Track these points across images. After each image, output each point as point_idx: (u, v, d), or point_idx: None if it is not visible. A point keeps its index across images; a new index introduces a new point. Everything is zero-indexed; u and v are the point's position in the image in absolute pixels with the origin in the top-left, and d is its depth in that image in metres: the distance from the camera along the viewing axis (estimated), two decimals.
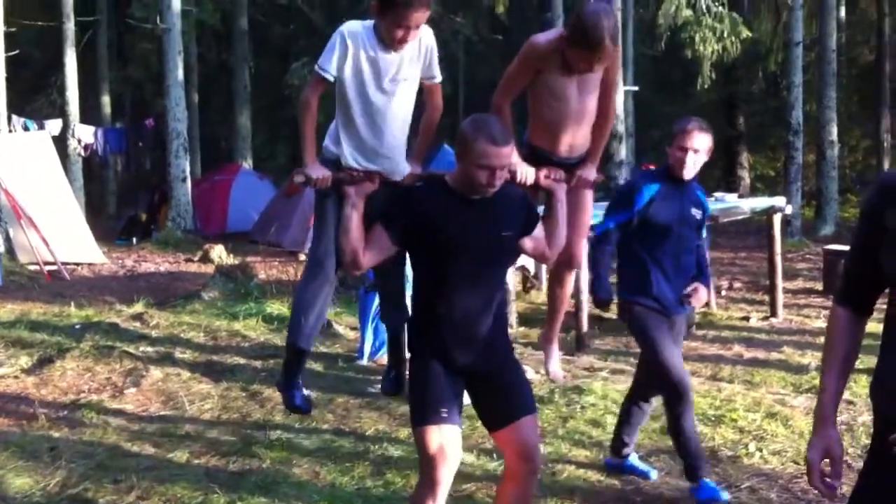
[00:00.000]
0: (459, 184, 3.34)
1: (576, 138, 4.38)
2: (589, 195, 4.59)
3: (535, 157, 4.29)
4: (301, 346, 4.11)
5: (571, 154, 4.40)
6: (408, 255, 3.50)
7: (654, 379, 4.58)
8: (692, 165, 4.44)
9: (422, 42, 3.96)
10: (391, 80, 3.89)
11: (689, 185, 4.57)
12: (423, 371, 3.36)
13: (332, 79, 3.87)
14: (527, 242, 3.54)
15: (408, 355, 4.19)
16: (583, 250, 4.67)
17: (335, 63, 3.85)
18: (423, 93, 4.13)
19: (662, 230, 4.47)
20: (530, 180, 4.01)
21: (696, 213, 4.56)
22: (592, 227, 4.80)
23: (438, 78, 4.07)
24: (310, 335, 4.12)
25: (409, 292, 4.60)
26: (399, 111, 3.97)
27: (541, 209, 3.88)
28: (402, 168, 3.99)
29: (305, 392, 4.21)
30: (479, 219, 3.32)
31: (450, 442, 3.25)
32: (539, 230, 3.58)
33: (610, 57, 4.13)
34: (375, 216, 3.47)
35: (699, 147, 4.43)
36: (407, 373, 4.02)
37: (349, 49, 3.84)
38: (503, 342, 3.50)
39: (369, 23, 3.90)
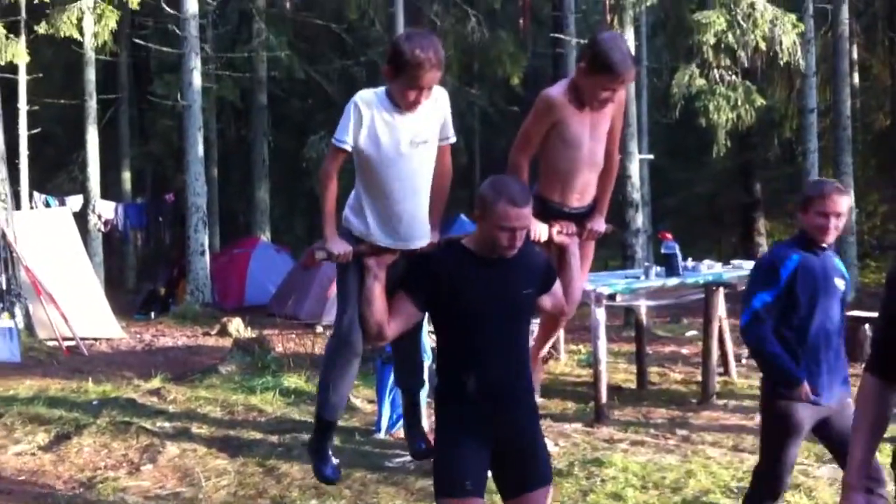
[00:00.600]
0: (479, 245, 3.35)
1: (587, 186, 4.41)
2: (591, 247, 4.60)
3: (545, 210, 4.31)
4: (328, 418, 4.09)
5: (582, 203, 4.42)
6: (430, 321, 3.49)
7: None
8: (834, 231, 4.24)
9: (437, 103, 3.98)
10: (410, 143, 3.89)
11: (827, 254, 4.32)
12: (449, 442, 3.33)
13: (349, 148, 3.88)
14: (545, 300, 3.55)
15: (428, 421, 4.15)
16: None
17: (351, 132, 3.87)
18: None
19: (809, 305, 4.18)
20: (544, 237, 4.02)
21: (840, 283, 4.30)
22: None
23: (453, 138, 4.07)
24: (336, 407, 4.09)
25: (426, 361, 4.60)
26: (419, 175, 3.96)
27: None
28: (424, 235, 3.98)
29: (335, 461, 4.16)
30: (499, 279, 3.32)
31: None
32: (556, 287, 3.58)
33: (632, 79, 4.16)
34: (397, 284, 3.47)
35: (842, 210, 4.25)
36: (428, 433, 3.98)
37: (364, 116, 3.85)
38: (527, 403, 3.46)
39: (381, 89, 3.93)
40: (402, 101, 3.82)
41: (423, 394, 4.92)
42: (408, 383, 4.36)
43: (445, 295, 3.31)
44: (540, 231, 4.04)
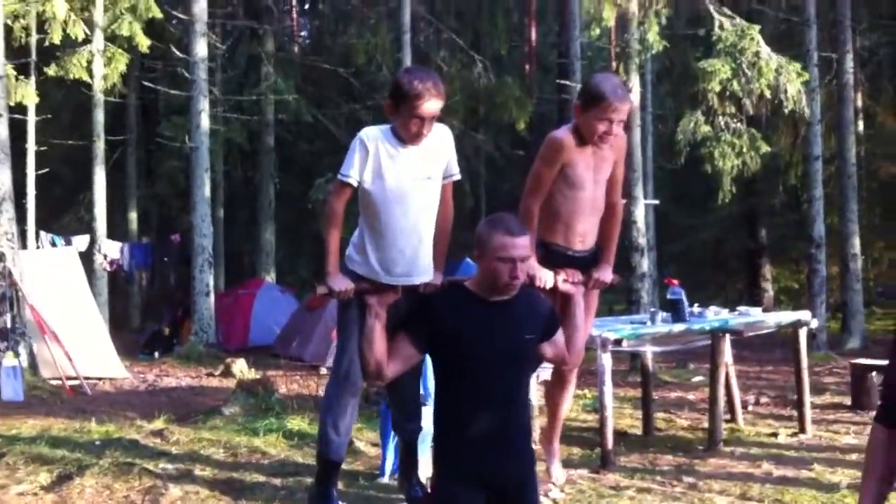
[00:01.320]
0: (481, 286, 3.34)
1: (589, 229, 4.43)
2: (595, 296, 4.60)
3: (549, 256, 4.32)
4: (332, 458, 4.06)
5: (585, 247, 4.43)
6: (430, 364, 3.48)
7: None
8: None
9: (442, 140, 4.01)
10: (414, 178, 3.91)
11: None
12: (447, 483, 3.31)
13: (354, 183, 3.89)
14: (547, 348, 3.52)
15: (424, 465, 4.12)
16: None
17: (357, 167, 3.89)
18: None
19: None
20: (549, 284, 4.02)
21: None
22: None
23: (457, 176, 4.10)
24: (340, 447, 4.07)
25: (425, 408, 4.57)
26: (423, 211, 3.97)
27: None
28: (427, 272, 3.98)
29: None
30: (501, 322, 3.30)
31: None
32: (559, 336, 3.56)
33: (625, 110, 4.19)
34: (398, 325, 3.47)
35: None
36: (424, 479, 3.95)
37: (369, 151, 3.88)
38: (527, 449, 3.44)
39: (386, 126, 3.96)
40: (405, 135, 3.86)
41: (423, 439, 4.89)
42: (405, 427, 4.33)
43: (446, 337, 3.29)
44: (545, 278, 4.04)
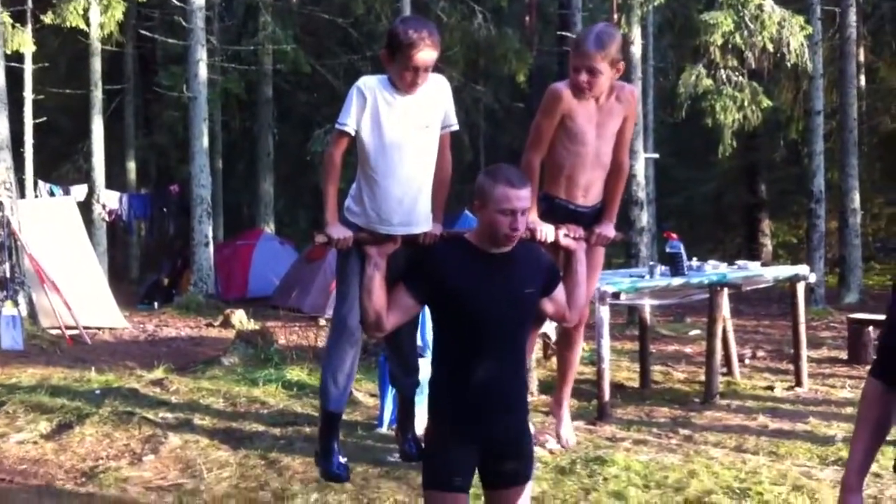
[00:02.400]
0: (481, 238, 3.33)
1: (592, 183, 4.41)
2: (601, 253, 4.59)
3: (552, 209, 4.30)
4: (332, 409, 4.07)
5: (587, 201, 4.42)
6: (429, 315, 3.48)
7: None
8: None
9: (439, 90, 3.99)
10: (412, 126, 3.89)
11: None
12: (441, 436, 3.33)
13: (352, 131, 3.88)
14: (547, 304, 3.51)
15: (421, 418, 4.14)
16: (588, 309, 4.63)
17: (354, 116, 3.87)
18: None
19: None
20: (550, 238, 4.00)
21: None
22: None
23: (455, 126, 4.08)
24: (340, 398, 4.08)
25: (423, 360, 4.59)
26: (421, 160, 3.95)
27: None
28: (426, 221, 3.97)
29: (342, 459, 4.13)
30: (501, 275, 3.29)
31: None
32: (559, 291, 3.55)
33: (593, 58, 4.15)
34: (397, 276, 3.47)
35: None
36: (421, 432, 3.97)
37: (367, 100, 3.86)
38: (522, 404, 3.46)
39: (383, 76, 3.94)
40: (400, 84, 3.84)
41: (421, 391, 4.91)
42: (402, 382, 4.34)
43: (445, 289, 3.28)
44: (546, 232, 4.02)
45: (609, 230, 4.44)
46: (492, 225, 3.25)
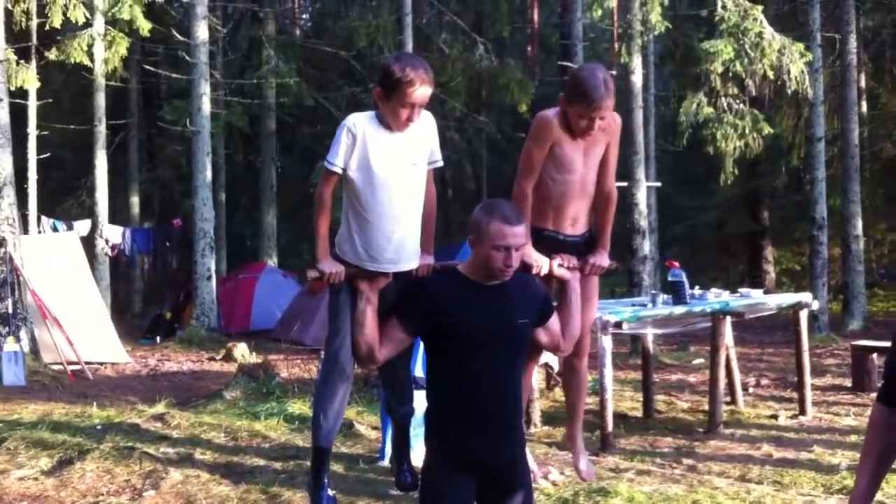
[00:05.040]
0: (474, 271, 3.33)
1: (579, 213, 4.41)
2: (596, 283, 4.58)
3: (541, 240, 4.30)
4: (321, 444, 4.07)
5: (575, 231, 4.42)
6: (423, 346, 3.48)
7: None
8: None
9: (426, 126, 4.01)
10: (401, 164, 3.91)
11: None
12: (438, 466, 3.31)
13: (339, 171, 3.90)
14: (541, 334, 3.51)
15: (419, 451, 4.12)
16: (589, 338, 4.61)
17: (342, 156, 3.89)
18: None
19: None
20: (545, 270, 4.01)
21: None
22: None
23: (440, 162, 4.10)
24: (329, 433, 4.08)
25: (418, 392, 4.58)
26: (410, 197, 3.97)
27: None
28: (415, 257, 3.99)
29: (331, 492, 4.13)
30: (494, 306, 3.29)
31: None
32: (553, 321, 3.55)
33: (608, 108, 4.17)
34: (389, 309, 3.46)
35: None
36: (418, 464, 3.95)
37: (356, 138, 3.88)
38: (518, 434, 3.43)
39: (371, 112, 3.96)
40: (394, 122, 3.85)
41: (418, 423, 4.89)
42: (397, 411, 4.33)
43: (437, 321, 3.28)
44: (541, 263, 4.03)
45: (603, 259, 4.43)
46: (486, 260, 3.26)
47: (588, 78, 4.15)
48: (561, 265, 4.00)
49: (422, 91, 3.79)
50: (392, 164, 3.88)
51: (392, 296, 3.67)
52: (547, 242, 4.30)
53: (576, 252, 4.37)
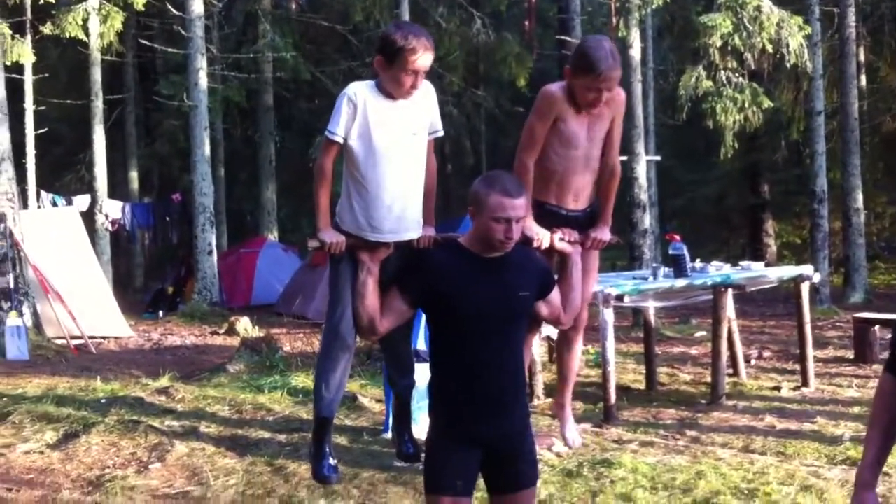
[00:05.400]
0: (475, 243, 3.32)
1: (582, 188, 4.41)
2: (596, 256, 4.59)
3: (543, 214, 4.30)
4: (323, 414, 4.08)
5: (578, 206, 4.42)
6: (424, 318, 3.49)
7: None
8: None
9: (427, 96, 4.00)
10: (402, 133, 3.90)
11: None
12: (442, 439, 3.33)
13: (341, 140, 3.88)
14: (542, 306, 3.51)
15: (422, 423, 4.13)
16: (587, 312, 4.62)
17: (343, 125, 3.87)
18: None
19: None
20: (546, 243, 4.01)
21: None
22: None
23: (441, 132, 4.09)
24: (331, 403, 4.08)
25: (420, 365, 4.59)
26: (411, 166, 3.95)
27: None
28: (416, 227, 3.98)
29: (333, 462, 4.14)
30: (495, 278, 3.29)
31: None
32: (554, 294, 3.55)
33: (616, 79, 4.16)
34: (391, 280, 3.46)
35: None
36: (419, 433, 3.97)
37: (357, 108, 3.86)
38: (521, 406, 3.44)
39: (371, 82, 3.95)
40: (396, 90, 3.84)
41: (420, 395, 4.90)
42: (398, 384, 4.34)
43: (438, 292, 3.28)
44: (542, 236, 4.02)
45: (604, 233, 4.44)
46: (486, 232, 3.25)
47: (595, 49, 4.14)
48: (562, 239, 4.00)
49: (424, 58, 3.78)
50: (393, 134, 3.87)
51: (393, 267, 3.68)
52: (549, 216, 4.30)
53: (577, 226, 4.38)
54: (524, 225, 3.48)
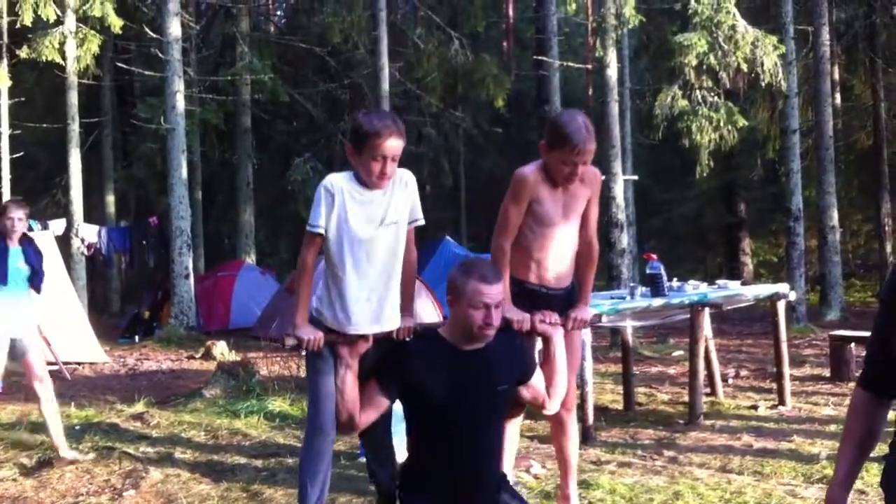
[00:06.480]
0: (454, 333, 3.30)
1: (562, 266, 4.39)
2: (578, 335, 4.56)
3: (523, 293, 4.28)
4: None
5: (559, 284, 4.39)
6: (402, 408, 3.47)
7: None
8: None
9: (406, 186, 3.98)
10: (380, 222, 3.87)
11: None
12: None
13: (323, 231, 3.86)
14: (523, 391, 3.49)
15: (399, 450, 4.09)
16: (574, 390, 4.55)
17: (323, 216, 3.85)
18: None
19: None
20: (526, 327, 3.97)
21: None
22: None
23: (421, 220, 4.06)
24: (318, 500, 4.04)
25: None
26: (390, 256, 3.92)
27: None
28: (396, 318, 3.95)
29: None
30: (474, 373, 3.27)
31: None
32: (536, 378, 3.53)
33: (591, 152, 4.15)
34: (369, 373, 3.44)
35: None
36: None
37: (335, 198, 3.84)
38: (493, 498, 3.41)
39: (349, 172, 3.93)
40: (368, 177, 3.81)
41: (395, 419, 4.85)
42: (379, 475, 4.28)
43: (417, 387, 3.27)
44: (522, 320, 3.99)
45: (585, 313, 4.40)
46: (465, 319, 3.24)
47: (568, 122, 4.13)
48: (542, 321, 3.98)
49: (392, 143, 3.76)
50: (371, 224, 3.85)
51: (371, 359, 3.67)
52: (529, 295, 4.28)
53: (559, 305, 4.35)
54: (503, 308, 3.46)
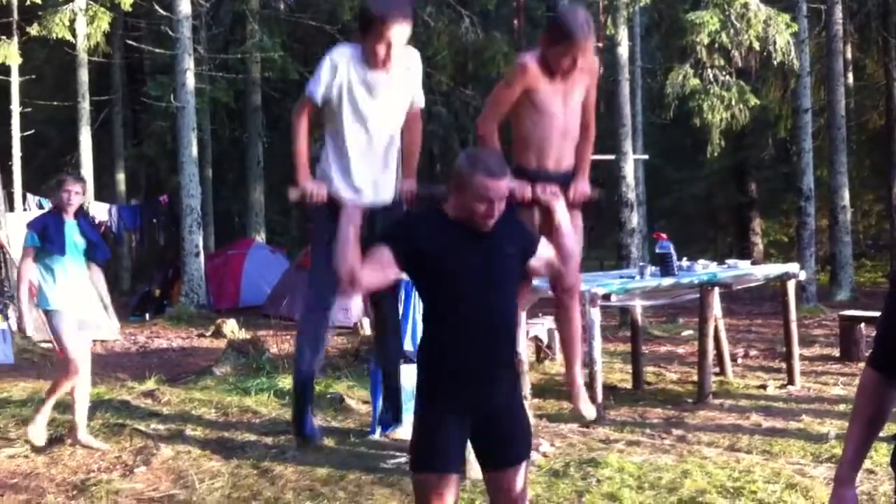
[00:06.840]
0: (457, 214, 3.28)
1: (562, 153, 4.44)
2: (579, 217, 4.56)
3: (522, 177, 4.31)
4: (305, 370, 4.04)
5: (559, 168, 4.43)
6: (414, 286, 3.43)
7: None
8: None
9: (409, 65, 3.99)
10: (383, 99, 3.90)
11: None
12: (430, 414, 3.26)
13: (319, 100, 3.88)
14: (535, 264, 3.45)
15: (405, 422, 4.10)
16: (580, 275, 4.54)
17: (323, 86, 3.87)
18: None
19: None
20: (528, 195, 4.02)
21: None
22: None
23: (422, 103, 4.10)
24: (313, 360, 4.05)
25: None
26: (390, 132, 3.98)
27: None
28: (393, 191, 3.99)
29: (316, 421, 4.12)
30: (479, 241, 3.24)
31: (449, 490, 3.18)
32: (543, 249, 3.49)
33: (589, 47, 4.22)
34: (376, 239, 3.37)
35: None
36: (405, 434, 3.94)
37: (339, 70, 3.86)
38: (511, 377, 3.40)
39: (358, 46, 3.93)
40: (373, 59, 3.84)
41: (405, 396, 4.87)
42: (386, 367, 4.33)
43: (425, 251, 3.22)
44: (523, 189, 4.05)
45: (584, 186, 4.47)
46: (469, 209, 3.21)
47: (569, 17, 4.19)
48: (543, 191, 4.02)
49: (398, 29, 3.77)
50: (372, 102, 3.87)
51: (379, 226, 3.72)
52: (528, 178, 4.30)
53: (559, 185, 4.38)
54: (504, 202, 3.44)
